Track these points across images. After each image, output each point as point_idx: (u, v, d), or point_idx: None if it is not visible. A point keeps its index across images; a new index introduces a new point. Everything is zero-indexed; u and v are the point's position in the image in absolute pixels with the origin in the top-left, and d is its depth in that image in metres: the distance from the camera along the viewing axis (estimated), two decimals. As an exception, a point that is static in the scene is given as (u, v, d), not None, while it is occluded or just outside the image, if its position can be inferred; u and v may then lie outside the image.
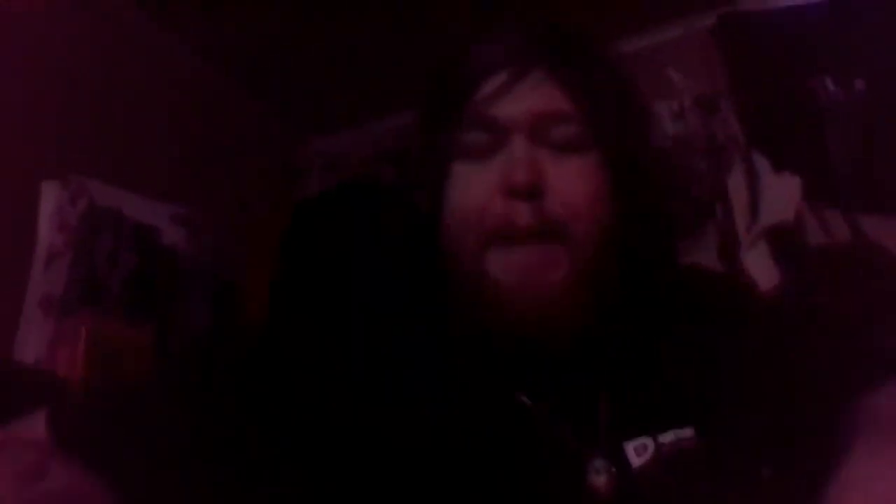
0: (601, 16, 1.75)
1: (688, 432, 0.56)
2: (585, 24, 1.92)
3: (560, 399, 0.59)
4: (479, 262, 0.60)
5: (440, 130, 0.64)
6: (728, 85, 1.71)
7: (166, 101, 1.82)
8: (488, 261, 0.60)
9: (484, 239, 0.60)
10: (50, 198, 1.47)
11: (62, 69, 1.56)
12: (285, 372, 0.64)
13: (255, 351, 0.69)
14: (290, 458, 0.60)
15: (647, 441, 0.56)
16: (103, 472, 0.54)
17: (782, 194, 1.53)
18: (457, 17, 1.78)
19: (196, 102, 1.93)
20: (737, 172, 1.60)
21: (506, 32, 0.67)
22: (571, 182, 0.60)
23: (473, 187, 0.61)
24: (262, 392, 0.63)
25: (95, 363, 1.36)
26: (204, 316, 1.72)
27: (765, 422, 0.57)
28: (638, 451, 0.56)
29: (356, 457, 0.60)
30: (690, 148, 1.64)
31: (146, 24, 1.80)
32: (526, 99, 0.61)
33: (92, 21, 1.65)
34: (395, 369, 0.63)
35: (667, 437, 0.56)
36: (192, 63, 1.94)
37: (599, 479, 0.56)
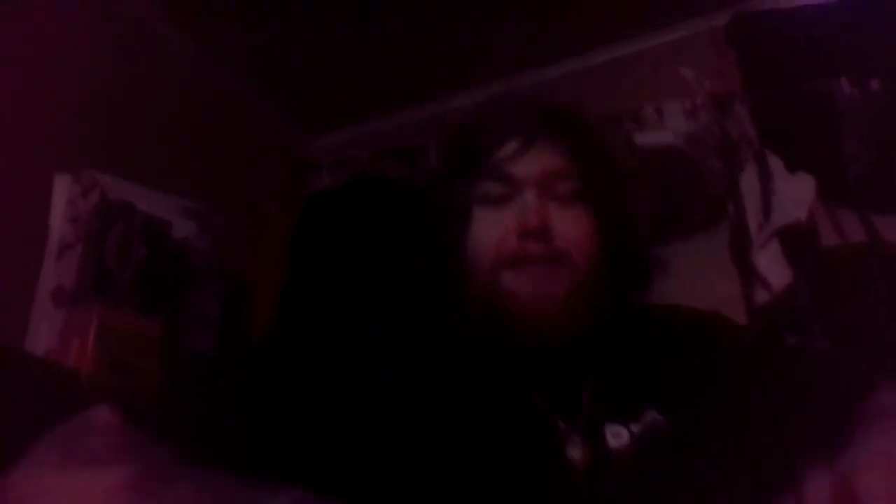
0: (616, 14, 1.75)
1: (660, 420, 0.68)
2: (601, 22, 1.90)
3: (552, 388, 0.72)
4: (495, 279, 0.73)
5: (461, 179, 0.79)
6: (742, 84, 1.70)
7: (177, 97, 1.83)
8: (504, 279, 0.73)
9: (500, 264, 0.73)
10: (62, 190, 1.47)
11: (75, 65, 1.56)
12: (294, 372, 0.67)
13: (263, 353, 0.73)
14: (297, 459, 0.62)
15: (622, 429, 0.68)
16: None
17: (795, 194, 1.52)
18: (460, 17, 1.78)
19: (206, 99, 1.94)
20: (750, 171, 1.59)
21: (515, 105, 0.83)
22: (571, 226, 0.74)
23: (492, 228, 0.75)
24: (271, 393, 0.65)
25: (105, 354, 1.37)
26: (213, 309, 1.73)
27: (732, 417, 0.68)
28: (615, 436, 0.68)
29: (362, 451, 0.64)
30: (703, 146, 1.63)
31: (157, 22, 1.81)
32: (535, 160, 0.76)
33: (104, 19, 1.65)
34: (407, 362, 0.71)
35: (640, 425, 0.68)
36: (203, 61, 1.95)
37: (576, 451, 0.67)
